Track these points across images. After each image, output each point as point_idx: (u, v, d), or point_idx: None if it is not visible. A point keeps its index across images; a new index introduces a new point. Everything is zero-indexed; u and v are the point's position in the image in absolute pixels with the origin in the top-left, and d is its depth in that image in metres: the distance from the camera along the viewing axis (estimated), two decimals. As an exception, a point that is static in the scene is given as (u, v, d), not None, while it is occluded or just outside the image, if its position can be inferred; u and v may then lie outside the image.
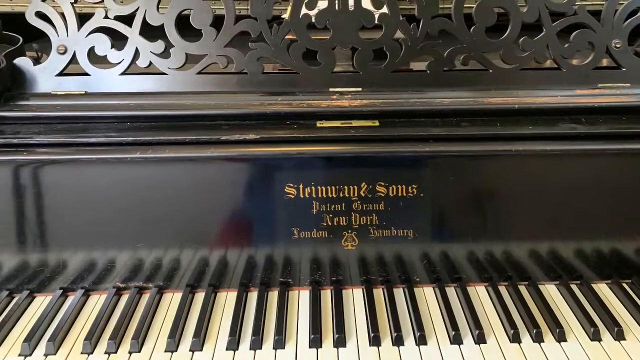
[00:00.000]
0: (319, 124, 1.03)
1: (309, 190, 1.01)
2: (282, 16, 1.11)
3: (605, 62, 1.09)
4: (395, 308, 1.00)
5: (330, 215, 1.02)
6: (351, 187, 1.01)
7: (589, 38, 1.05)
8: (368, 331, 0.95)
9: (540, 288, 1.05)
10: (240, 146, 1.00)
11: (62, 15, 1.04)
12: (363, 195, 1.02)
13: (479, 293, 1.05)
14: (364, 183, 1.01)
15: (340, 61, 1.10)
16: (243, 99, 1.05)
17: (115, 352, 0.92)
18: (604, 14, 1.05)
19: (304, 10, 1.03)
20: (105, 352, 0.92)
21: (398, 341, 0.93)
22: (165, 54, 1.05)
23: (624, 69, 1.07)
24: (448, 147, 1.01)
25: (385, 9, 1.04)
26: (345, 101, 1.04)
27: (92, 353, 0.92)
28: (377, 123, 1.03)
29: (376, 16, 1.04)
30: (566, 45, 1.06)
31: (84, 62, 1.05)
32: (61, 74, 1.06)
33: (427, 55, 1.05)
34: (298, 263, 1.05)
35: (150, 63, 1.05)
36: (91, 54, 1.05)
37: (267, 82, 1.06)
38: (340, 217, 1.03)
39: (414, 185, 1.01)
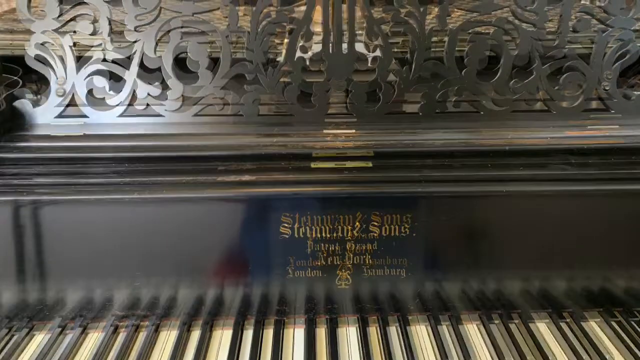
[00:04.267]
0: (313, 165, 1.04)
1: (304, 230, 1.03)
2: (277, 59, 1.12)
3: (594, 103, 1.11)
4: (388, 345, 1.02)
5: (325, 255, 1.04)
6: (345, 226, 1.03)
7: (578, 80, 1.07)
8: (362, 368, 0.97)
9: (530, 325, 1.06)
10: (236, 187, 1.02)
11: (61, 57, 1.06)
12: (357, 235, 1.03)
13: (471, 330, 1.07)
14: (357, 223, 1.03)
15: (334, 103, 1.11)
16: (239, 140, 1.07)
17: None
18: (593, 57, 1.07)
19: (298, 53, 1.05)
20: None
21: (392, 378, 0.94)
22: (162, 96, 1.06)
23: (613, 111, 1.08)
24: (440, 188, 1.02)
25: (378, 52, 1.06)
26: (339, 142, 1.06)
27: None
28: (370, 164, 1.04)
29: (369, 59, 1.06)
30: (556, 88, 1.07)
31: (82, 104, 1.07)
32: (60, 115, 1.07)
33: (419, 98, 1.07)
34: (293, 301, 1.07)
35: (148, 105, 1.07)
36: (89, 96, 1.07)
37: (262, 123, 1.08)
38: (335, 257, 1.04)
39: (406, 225, 1.03)
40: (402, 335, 1.04)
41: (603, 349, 1.01)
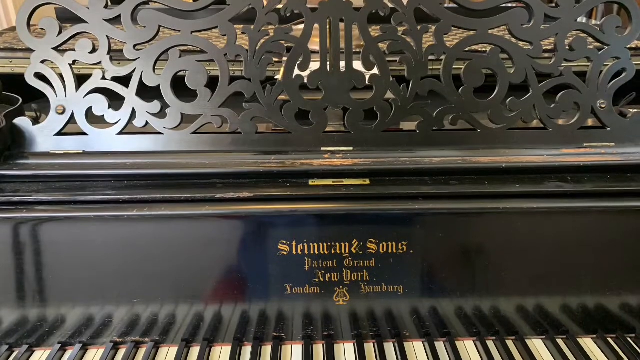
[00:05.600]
0: (311, 182, 1.05)
1: (302, 247, 1.03)
2: (275, 77, 1.13)
3: (590, 122, 1.11)
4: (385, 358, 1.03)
5: (322, 272, 1.05)
6: (343, 244, 1.03)
7: (574, 98, 1.08)
8: (359, 385, 0.98)
9: (527, 342, 1.07)
10: (234, 204, 1.02)
11: (61, 76, 1.07)
12: (354, 252, 1.04)
13: (468, 347, 1.07)
14: (355, 240, 1.03)
15: (332, 121, 1.12)
16: (237, 158, 1.07)
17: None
18: (589, 75, 1.07)
19: (296, 72, 1.05)
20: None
21: (388, 396, 0.95)
22: (161, 114, 1.07)
23: (609, 129, 1.09)
24: (437, 205, 1.03)
25: (375, 70, 1.06)
26: (336, 160, 1.06)
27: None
28: (367, 181, 1.05)
29: (367, 77, 1.06)
30: (552, 106, 1.08)
31: (81, 122, 1.07)
32: (60, 133, 1.08)
33: (416, 115, 1.07)
34: (291, 318, 1.07)
35: (147, 123, 1.07)
36: (89, 114, 1.07)
37: (260, 141, 1.08)
38: (332, 274, 1.05)
39: (404, 242, 1.03)
40: (399, 349, 1.05)
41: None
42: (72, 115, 1.07)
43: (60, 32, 1.06)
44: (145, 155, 1.07)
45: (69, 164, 1.06)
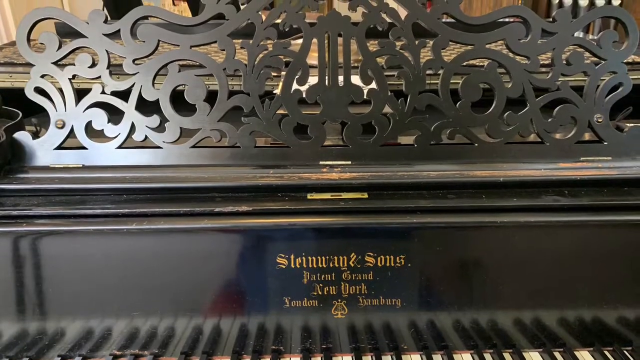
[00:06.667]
0: (309, 196, 1.05)
1: (300, 261, 1.04)
2: (274, 91, 1.13)
3: (587, 136, 1.12)
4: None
5: (321, 285, 1.05)
6: (341, 257, 1.04)
7: (571, 113, 1.08)
8: (357, 399, 0.98)
9: (524, 355, 1.07)
10: (233, 218, 1.03)
11: (60, 90, 1.07)
12: (352, 265, 1.04)
13: (465, 358, 1.08)
14: (353, 253, 1.04)
15: (330, 135, 1.13)
16: (236, 172, 1.07)
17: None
18: (586, 90, 1.08)
19: (295, 86, 1.06)
20: None
21: (386, 410, 0.96)
22: (160, 128, 1.07)
23: (606, 143, 1.09)
24: (435, 219, 1.03)
25: (374, 85, 1.07)
26: (334, 174, 1.06)
27: None
28: (366, 195, 1.05)
29: (365, 91, 1.07)
30: (549, 120, 1.08)
31: (81, 136, 1.07)
32: (59, 147, 1.08)
33: (414, 130, 1.08)
34: (289, 331, 1.08)
35: (146, 137, 1.07)
36: (88, 128, 1.08)
37: (259, 155, 1.09)
38: (330, 287, 1.06)
39: (401, 256, 1.04)
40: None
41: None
42: (72, 130, 1.08)
43: (59, 47, 1.06)
44: (145, 169, 1.08)
45: (68, 177, 1.06)
